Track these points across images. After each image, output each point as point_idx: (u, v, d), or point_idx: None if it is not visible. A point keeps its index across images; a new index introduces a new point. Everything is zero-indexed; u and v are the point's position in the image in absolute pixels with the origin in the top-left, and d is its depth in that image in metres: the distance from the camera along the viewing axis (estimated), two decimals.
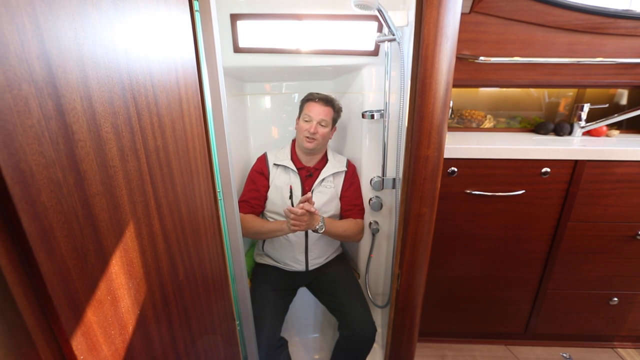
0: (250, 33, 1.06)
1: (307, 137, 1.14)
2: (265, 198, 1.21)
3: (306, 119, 1.15)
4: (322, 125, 1.14)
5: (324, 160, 1.24)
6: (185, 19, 0.57)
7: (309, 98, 1.17)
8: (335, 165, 1.23)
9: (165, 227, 0.47)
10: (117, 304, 0.35)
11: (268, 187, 1.20)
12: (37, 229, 0.24)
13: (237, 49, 1.09)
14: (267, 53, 1.11)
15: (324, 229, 1.10)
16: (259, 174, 1.21)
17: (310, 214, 1.03)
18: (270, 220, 1.22)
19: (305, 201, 1.01)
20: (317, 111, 1.13)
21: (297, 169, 1.19)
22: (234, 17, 1.02)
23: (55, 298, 0.26)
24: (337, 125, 1.22)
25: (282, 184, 1.19)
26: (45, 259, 0.25)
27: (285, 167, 1.20)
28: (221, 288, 0.75)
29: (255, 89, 1.41)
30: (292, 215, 1.01)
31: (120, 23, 0.36)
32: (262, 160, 1.23)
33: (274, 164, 1.21)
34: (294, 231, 1.05)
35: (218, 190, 0.77)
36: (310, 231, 1.16)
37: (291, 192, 1.17)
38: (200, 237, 0.61)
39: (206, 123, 0.68)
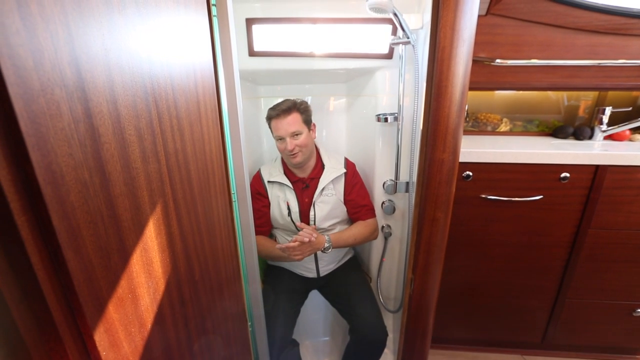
0: (265, 37, 1.08)
1: (290, 155, 1.08)
2: (269, 216, 1.19)
3: (279, 139, 1.08)
4: (296, 136, 1.06)
5: (318, 167, 1.18)
6: (203, 24, 0.58)
7: (270, 116, 1.08)
8: (333, 170, 1.16)
9: (182, 228, 0.48)
10: (137, 302, 0.36)
11: (269, 205, 1.18)
12: (66, 228, 0.25)
13: (252, 53, 1.10)
14: (282, 56, 1.12)
15: (330, 249, 1.09)
16: (257, 194, 1.17)
17: (311, 240, 1.02)
18: (278, 236, 1.23)
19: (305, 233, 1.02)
20: (284, 126, 1.05)
21: (292, 182, 1.15)
22: (250, 22, 1.04)
23: (81, 295, 0.27)
24: (349, 127, 1.20)
25: (280, 200, 1.16)
26: (73, 257, 0.26)
27: (280, 183, 1.16)
28: (234, 289, 0.76)
29: (269, 92, 1.42)
30: (291, 247, 1.02)
31: (144, 29, 0.37)
32: (257, 179, 1.19)
33: (269, 181, 1.17)
34: (299, 259, 1.05)
35: (232, 192, 0.78)
36: None
37: (289, 208, 1.14)
38: (215, 238, 0.62)
39: (222, 125, 0.69)
